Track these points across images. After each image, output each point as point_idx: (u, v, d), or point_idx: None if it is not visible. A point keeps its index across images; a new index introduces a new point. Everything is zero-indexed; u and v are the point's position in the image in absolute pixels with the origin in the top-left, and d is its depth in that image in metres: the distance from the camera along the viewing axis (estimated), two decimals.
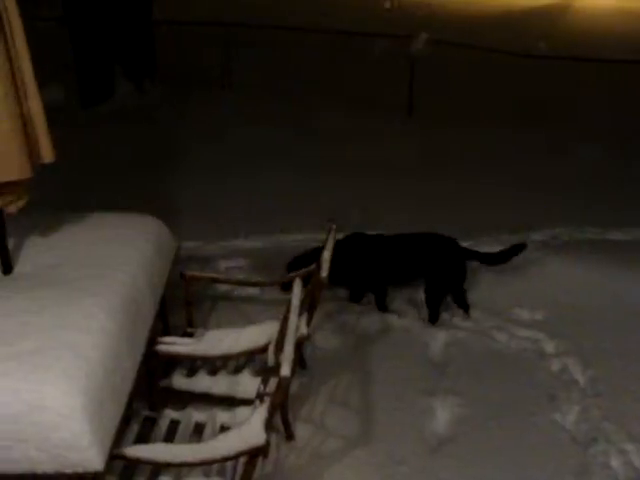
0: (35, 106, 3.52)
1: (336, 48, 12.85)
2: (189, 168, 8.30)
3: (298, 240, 6.41)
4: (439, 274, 5.33)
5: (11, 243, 3.78)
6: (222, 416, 3.83)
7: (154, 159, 8.64)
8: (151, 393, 4.06)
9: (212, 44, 12.08)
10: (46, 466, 2.87)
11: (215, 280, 4.82)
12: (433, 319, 5.28)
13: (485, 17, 19.68)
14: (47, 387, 2.86)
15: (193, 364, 4.24)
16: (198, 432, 3.75)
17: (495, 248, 5.65)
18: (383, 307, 5.44)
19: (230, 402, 4.03)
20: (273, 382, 3.50)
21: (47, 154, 3.62)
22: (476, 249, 5.59)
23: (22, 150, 3.44)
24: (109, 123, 9.81)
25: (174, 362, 4.21)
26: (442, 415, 4.40)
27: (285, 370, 2.95)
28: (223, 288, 5.50)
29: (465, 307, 5.42)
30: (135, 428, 3.72)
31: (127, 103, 10.86)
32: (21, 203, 3.60)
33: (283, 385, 3.02)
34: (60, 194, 6.40)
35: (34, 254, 3.88)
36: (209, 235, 6.56)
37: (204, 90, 11.40)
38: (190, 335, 4.41)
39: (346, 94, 11.36)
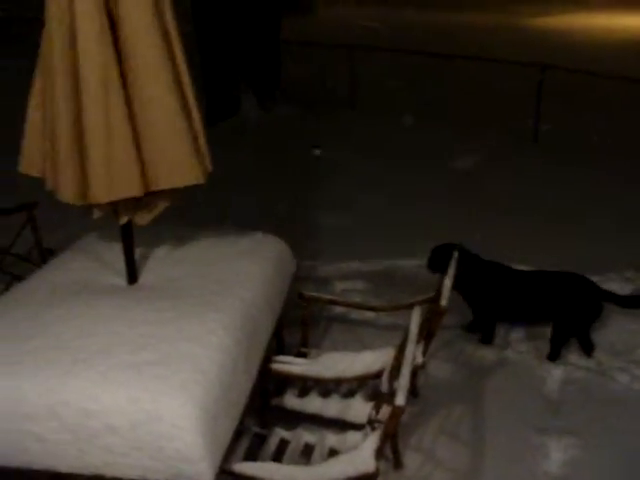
0: (197, 116, 3.65)
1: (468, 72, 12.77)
2: (308, 187, 8.37)
3: (413, 265, 6.36)
4: (573, 314, 5.14)
5: (137, 254, 3.88)
6: (332, 439, 3.80)
7: (274, 176, 8.75)
8: (262, 410, 4.08)
9: (339, 65, 12.20)
10: (158, 475, 2.92)
11: (332, 302, 4.82)
12: (553, 357, 5.12)
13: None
14: (165, 398, 2.91)
15: (305, 384, 4.24)
16: (307, 453, 3.73)
17: (623, 286, 5.44)
18: (488, 340, 5.31)
19: (340, 425, 4.01)
20: (385, 409, 3.47)
21: (209, 164, 3.74)
22: (604, 287, 5.39)
23: (195, 155, 3.55)
24: (232, 139, 9.99)
25: (287, 381, 4.22)
26: (556, 455, 4.24)
27: (400, 399, 2.90)
28: (339, 310, 5.50)
29: (589, 347, 5.22)
30: (245, 444, 3.73)
31: (250, 120, 11.06)
32: (151, 216, 3.69)
33: (397, 414, 2.97)
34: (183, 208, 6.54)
35: (158, 266, 3.98)
36: (326, 255, 6.59)
37: (328, 109, 11.50)
38: (304, 355, 4.42)
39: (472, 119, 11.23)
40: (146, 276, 3.89)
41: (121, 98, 3.33)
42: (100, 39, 3.26)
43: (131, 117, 3.39)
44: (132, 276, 3.81)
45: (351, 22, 16.79)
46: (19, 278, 4.65)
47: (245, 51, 11.16)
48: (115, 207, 3.60)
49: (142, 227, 3.77)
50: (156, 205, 3.70)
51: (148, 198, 3.61)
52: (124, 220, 3.67)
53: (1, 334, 3.34)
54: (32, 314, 3.49)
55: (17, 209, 4.94)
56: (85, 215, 3.75)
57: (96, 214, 3.60)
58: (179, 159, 3.51)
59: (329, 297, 4.76)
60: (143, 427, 2.89)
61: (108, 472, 2.96)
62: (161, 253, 4.13)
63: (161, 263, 4.02)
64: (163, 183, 3.53)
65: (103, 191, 3.44)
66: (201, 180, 3.57)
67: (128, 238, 3.75)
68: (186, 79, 3.59)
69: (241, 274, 3.91)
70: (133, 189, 3.44)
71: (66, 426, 2.94)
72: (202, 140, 3.70)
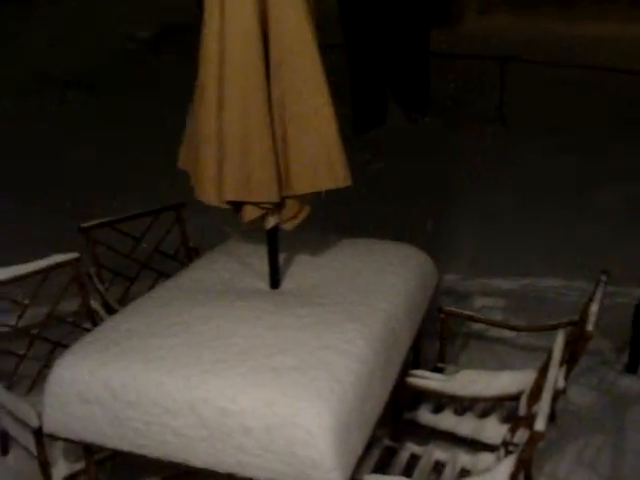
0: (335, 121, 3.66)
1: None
2: (452, 200, 8.28)
3: (556, 285, 6.18)
4: None
5: (281, 259, 3.92)
6: (464, 458, 3.73)
7: (420, 189, 8.71)
8: (394, 423, 4.04)
9: (487, 78, 12.04)
10: (288, 479, 2.92)
11: (472, 319, 4.73)
12: None
13: None
14: (301, 404, 2.91)
15: (440, 400, 4.18)
16: (437, 471, 3.68)
17: None
18: (634, 369, 5.06)
19: (473, 445, 3.93)
20: (521, 433, 3.37)
21: (344, 169, 3.71)
22: None
23: (341, 158, 3.59)
24: (375, 148, 10.01)
25: (421, 396, 4.17)
26: None
27: (540, 425, 2.80)
28: (478, 327, 5.40)
29: None
30: (375, 456, 3.72)
31: (396, 131, 11.04)
32: (297, 221, 3.73)
33: (535, 440, 2.87)
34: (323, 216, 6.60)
35: (301, 272, 4.01)
36: (468, 270, 6.49)
37: (474, 123, 11.34)
38: (441, 370, 4.36)
39: None
40: (288, 281, 3.93)
41: (264, 100, 3.41)
42: (247, 40, 3.36)
43: (273, 119, 3.46)
44: (275, 281, 3.86)
45: (502, 33, 16.51)
46: (165, 275, 4.81)
47: (394, 62, 11.17)
48: (263, 212, 3.65)
49: (287, 232, 3.82)
50: (302, 211, 3.73)
51: (293, 204, 3.66)
52: (270, 224, 3.72)
53: (146, 330, 3.45)
54: (176, 312, 3.59)
55: (166, 209, 5.09)
56: (232, 218, 3.84)
57: (246, 218, 3.67)
58: (319, 163, 3.55)
59: (469, 313, 4.67)
60: (277, 431, 2.90)
61: (240, 471, 3.00)
62: (304, 259, 4.17)
63: (304, 269, 4.05)
64: (303, 187, 3.58)
65: (239, 193, 3.55)
66: (345, 183, 3.61)
67: (273, 243, 3.80)
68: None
69: (383, 285, 3.89)
70: (271, 194, 3.52)
71: (203, 423, 3.00)
72: (340, 146, 3.67)
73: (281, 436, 2.90)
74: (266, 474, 2.95)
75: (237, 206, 3.69)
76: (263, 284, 3.89)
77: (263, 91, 3.42)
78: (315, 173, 3.56)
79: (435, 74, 11.98)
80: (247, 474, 2.99)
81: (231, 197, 3.58)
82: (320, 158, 3.55)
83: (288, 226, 3.75)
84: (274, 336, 3.32)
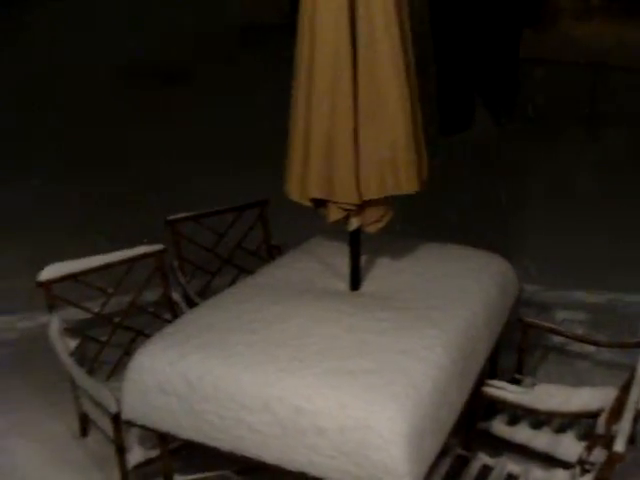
0: (419, 118, 3.68)
1: None
2: (533, 209, 8.15)
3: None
4: None
5: (362, 261, 3.91)
6: (537, 473, 3.67)
7: (500, 196, 8.58)
8: (468, 433, 3.99)
9: (579, 84, 11.80)
10: None
11: (553, 331, 4.64)
12: None
13: None
14: (375, 408, 2.91)
15: (515, 412, 4.12)
16: None
17: None
18: None
19: (547, 460, 3.86)
20: (599, 452, 3.29)
21: (426, 171, 3.76)
22: None
23: (416, 162, 3.59)
24: (464, 153, 9.92)
25: (497, 406, 4.11)
26: None
27: (619, 445, 2.75)
28: (557, 340, 5.29)
29: None
30: (446, 464, 3.69)
31: (482, 135, 10.92)
32: (381, 224, 3.73)
33: (614, 461, 2.81)
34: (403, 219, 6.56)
35: (382, 276, 4.00)
36: (550, 281, 6.36)
37: (562, 133, 11.12)
38: (518, 382, 4.30)
39: None
40: (369, 284, 3.93)
41: (350, 99, 3.43)
42: (337, 38, 3.40)
43: (357, 121, 3.47)
44: (355, 282, 3.86)
45: (596, 39, 16.14)
46: (246, 271, 4.86)
47: (483, 65, 11.06)
48: (347, 213, 3.66)
49: (369, 234, 3.81)
50: (385, 214, 3.73)
51: (377, 206, 3.66)
52: (353, 226, 3.73)
53: (226, 325, 3.49)
54: (256, 309, 3.62)
55: (249, 206, 5.15)
56: (316, 217, 3.86)
57: (330, 218, 3.69)
58: (401, 166, 3.55)
59: (550, 325, 4.59)
60: (351, 433, 2.90)
61: (311, 471, 3.01)
62: (385, 262, 4.15)
63: (384, 272, 4.04)
64: (372, 192, 3.57)
65: (322, 191, 3.59)
66: (418, 188, 3.62)
67: (355, 244, 3.80)
68: (414, 84, 3.62)
69: (464, 292, 3.85)
70: (351, 195, 3.54)
71: (278, 421, 3.02)
72: (423, 148, 3.72)
73: (354, 439, 2.90)
74: (337, 475, 2.96)
75: (321, 205, 3.72)
76: (343, 285, 3.90)
77: (349, 95, 3.44)
78: (382, 177, 3.56)
79: (524, 78, 11.80)
80: (318, 474, 3.00)
81: (314, 194, 3.61)
82: (387, 160, 3.54)
83: (371, 229, 3.74)
84: (352, 338, 3.32)
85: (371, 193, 3.57)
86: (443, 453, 3.57)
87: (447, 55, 11.01)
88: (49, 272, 4.09)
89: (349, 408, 2.92)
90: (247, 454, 3.15)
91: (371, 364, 3.12)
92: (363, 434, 2.88)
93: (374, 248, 4.18)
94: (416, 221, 6.85)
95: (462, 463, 3.77)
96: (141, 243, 4.42)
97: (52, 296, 4.09)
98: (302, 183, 3.63)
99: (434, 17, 10.96)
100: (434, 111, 10.89)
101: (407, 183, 3.59)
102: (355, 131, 3.47)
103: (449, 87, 11.07)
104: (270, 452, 3.08)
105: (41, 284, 4.06)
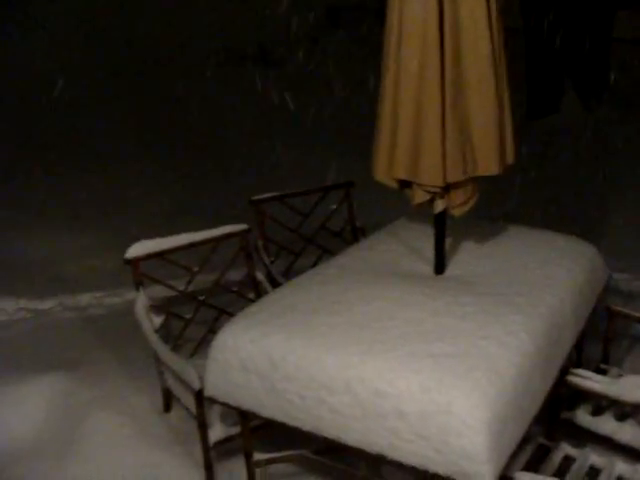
0: (507, 101, 3.62)
1: None
2: (622, 196, 7.93)
3: None
4: None
5: (447, 244, 3.88)
6: (621, 467, 3.58)
7: (589, 181, 8.39)
8: (550, 422, 3.92)
9: None
10: (439, 468, 2.90)
11: None
12: None
13: None
14: (457, 393, 2.88)
15: (600, 403, 4.03)
16: (592, 476, 3.56)
17: None
18: None
19: (632, 454, 3.77)
20: None
21: (511, 155, 3.70)
22: None
23: (498, 145, 3.55)
24: (550, 136, 9.71)
25: (580, 396, 4.03)
26: None
27: None
28: None
29: None
30: (527, 453, 3.63)
31: (570, 119, 10.67)
32: (466, 208, 3.68)
33: None
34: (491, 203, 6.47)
35: (466, 260, 3.96)
36: (637, 269, 6.19)
37: None
38: (603, 372, 4.20)
39: None
40: (453, 268, 3.89)
41: (437, 82, 3.40)
42: (424, 21, 3.38)
43: (443, 103, 3.43)
44: (440, 266, 3.82)
45: None
46: (329, 252, 4.86)
47: (574, 46, 10.79)
48: (432, 196, 3.63)
49: (455, 217, 3.77)
50: (471, 197, 3.69)
51: (463, 189, 3.62)
52: (438, 209, 3.69)
53: (309, 305, 3.51)
54: (339, 290, 3.62)
55: (335, 187, 5.15)
56: (401, 199, 3.84)
57: (415, 200, 3.66)
58: (486, 149, 3.52)
59: (638, 315, 4.46)
60: (431, 418, 2.89)
61: (391, 454, 3.01)
62: (470, 246, 4.10)
63: (469, 257, 3.99)
64: (457, 174, 3.53)
65: (407, 172, 3.58)
66: (499, 171, 3.59)
67: (440, 227, 3.77)
68: (502, 67, 3.59)
69: (550, 278, 3.78)
70: (436, 178, 3.52)
71: (358, 402, 3.02)
72: (509, 132, 3.68)
73: (435, 423, 2.88)
74: (417, 459, 2.95)
75: (406, 186, 3.70)
76: (427, 269, 3.87)
77: (436, 78, 3.41)
78: (465, 160, 3.52)
79: (617, 61, 11.46)
80: (398, 457, 2.99)
81: (400, 175, 3.60)
82: (471, 144, 3.52)
83: (456, 212, 3.70)
84: (435, 322, 3.29)
85: (455, 176, 3.53)
86: (524, 441, 3.52)
87: (537, 36, 10.80)
88: (136, 250, 4.17)
89: (431, 392, 2.91)
90: (327, 435, 3.16)
91: (454, 349, 3.09)
92: (444, 419, 2.87)
93: (459, 231, 4.13)
94: (502, 205, 6.76)
95: (544, 453, 3.70)
96: (228, 222, 4.47)
97: (139, 273, 4.17)
98: (388, 164, 3.63)
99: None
100: (522, 94, 10.71)
101: (490, 166, 3.57)
102: (442, 114, 3.44)
103: (538, 69, 10.86)
104: (350, 434, 3.09)
105: (128, 261, 4.14)
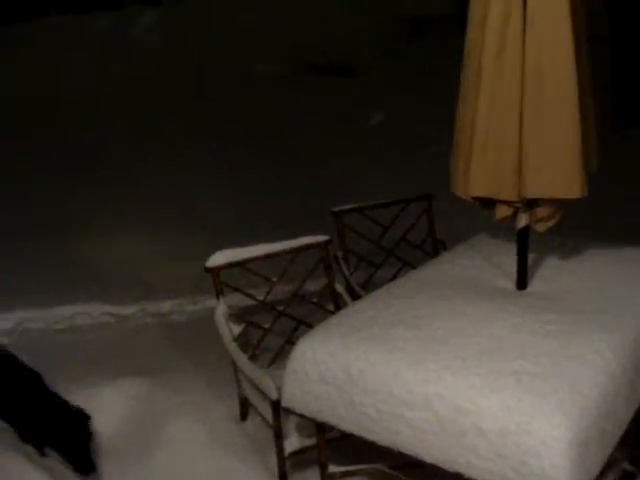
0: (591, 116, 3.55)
1: None
2: None
3: None
4: None
5: (529, 260, 3.80)
6: None
7: None
8: (635, 447, 3.80)
9: None
10: None
11: None
12: None
13: None
14: (538, 413, 2.81)
15: None
16: None
17: None
18: None
19: None
20: None
21: (593, 164, 3.63)
22: None
23: (581, 164, 3.44)
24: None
25: None
26: None
27: None
28: None
29: None
30: (610, 479, 3.52)
31: None
32: (550, 223, 3.61)
33: None
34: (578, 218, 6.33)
35: (549, 276, 3.87)
36: None
37: None
38: None
39: None
40: (535, 284, 3.80)
41: (518, 101, 3.36)
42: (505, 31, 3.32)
43: (523, 118, 3.38)
44: (522, 282, 3.75)
45: None
46: (409, 265, 4.83)
47: None
48: (515, 210, 3.57)
49: (538, 232, 3.70)
50: (556, 212, 3.61)
51: (548, 204, 3.54)
52: (522, 224, 3.63)
53: (388, 319, 3.48)
54: (420, 304, 3.59)
55: (415, 199, 5.11)
56: (482, 212, 3.79)
57: (498, 215, 3.61)
58: (566, 170, 3.40)
59: None
60: (511, 437, 2.82)
61: (468, 472, 2.95)
62: (554, 262, 4.01)
63: (553, 273, 3.90)
64: (536, 191, 3.45)
65: (485, 188, 3.52)
66: (581, 195, 3.44)
67: (523, 242, 3.69)
68: (586, 77, 3.51)
69: (636, 297, 3.66)
70: (515, 194, 3.46)
71: (437, 419, 2.98)
72: (593, 145, 3.62)
73: (514, 443, 2.82)
74: (495, 479, 2.88)
75: (488, 202, 3.65)
76: (509, 284, 3.79)
77: (516, 91, 3.36)
78: (545, 177, 3.42)
79: None
80: (475, 476, 2.94)
81: (477, 192, 3.55)
82: (553, 161, 3.40)
83: (540, 227, 3.63)
84: (517, 339, 3.23)
85: (536, 192, 3.46)
86: (608, 467, 3.42)
87: (624, 44, 10.58)
88: (217, 258, 4.21)
89: (512, 411, 2.84)
90: (404, 450, 3.12)
91: (536, 367, 3.02)
92: (524, 439, 2.80)
93: (543, 247, 4.04)
94: (588, 220, 6.59)
95: (628, 479, 3.59)
96: (305, 232, 4.48)
97: (219, 282, 4.21)
98: (466, 179, 3.57)
99: (611, 10, 10.56)
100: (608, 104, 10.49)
101: (573, 186, 3.42)
102: (521, 129, 3.38)
103: (625, 78, 10.63)
104: (427, 450, 3.04)
105: (209, 270, 4.19)
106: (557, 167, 3.40)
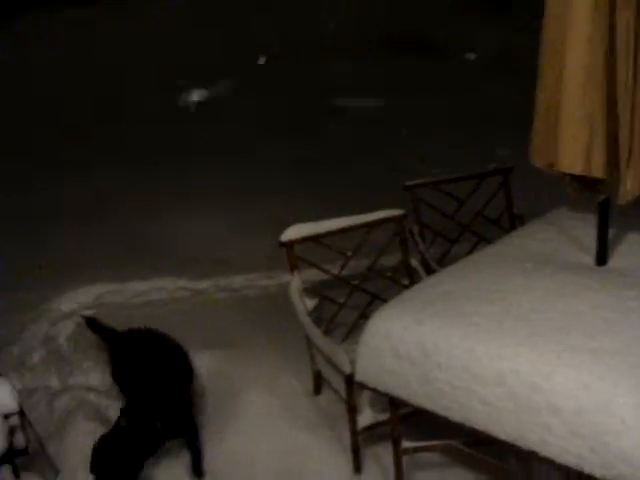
0: None
1: None
2: None
3: None
4: None
5: (610, 235, 3.69)
6: None
7: None
8: None
9: None
10: (594, 469, 2.77)
11: None
12: None
13: None
14: (618, 391, 2.75)
15: None
16: None
17: None
18: None
19: None
20: None
21: None
22: None
23: None
24: None
25: None
26: None
27: None
28: None
29: None
30: None
31: None
32: (631, 197, 3.47)
33: None
34: None
35: (630, 251, 3.73)
36: None
37: None
38: None
39: None
40: (616, 259, 3.68)
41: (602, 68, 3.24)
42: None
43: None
44: (602, 257, 3.64)
45: None
46: (485, 240, 4.75)
47: None
48: (596, 184, 3.47)
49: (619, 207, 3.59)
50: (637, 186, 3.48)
51: (632, 176, 3.42)
52: (602, 197, 3.52)
53: (463, 294, 3.44)
54: (495, 279, 3.53)
55: (492, 173, 5.02)
56: (559, 186, 3.69)
57: (571, 188, 3.52)
58: None
59: None
60: (588, 416, 2.77)
61: (542, 450, 2.91)
62: (634, 237, 3.88)
63: (634, 248, 3.77)
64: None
65: (567, 162, 3.41)
66: None
67: (604, 217, 3.58)
68: None
69: None
70: (599, 169, 3.36)
71: (511, 395, 2.94)
72: None
73: (592, 422, 2.77)
74: (570, 458, 2.83)
75: (567, 175, 3.56)
76: (588, 259, 3.68)
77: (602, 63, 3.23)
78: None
79: None
80: (549, 454, 2.90)
81: (562, 166, 3.45)
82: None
83: (621, 200, 3.51)
84: (596, 315, 3.14)
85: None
86: None
87: None
88: (292, 233, 4.21)
89: (590, 389, 2.79)
90: (477, 426, 3.10)
91: (616, 344, 2.95)
92: (602, 418, 2.75)
93: (623, 221, 3.91)
94: None
95: None
96: (378, 208, 4.45)
97: (294, 256, 4.21)
98: (550, 151, 3.47)
99: None
100: None
101: None
102: (608, 103, 3.27)
103: None
104: (500, 427, 3.01)
105: (284, 244, 4.19)
106: None
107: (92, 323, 4.79)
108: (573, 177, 3.52)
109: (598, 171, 3.36)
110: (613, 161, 3.35)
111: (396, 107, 9.51)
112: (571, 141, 3.36)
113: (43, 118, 9.40)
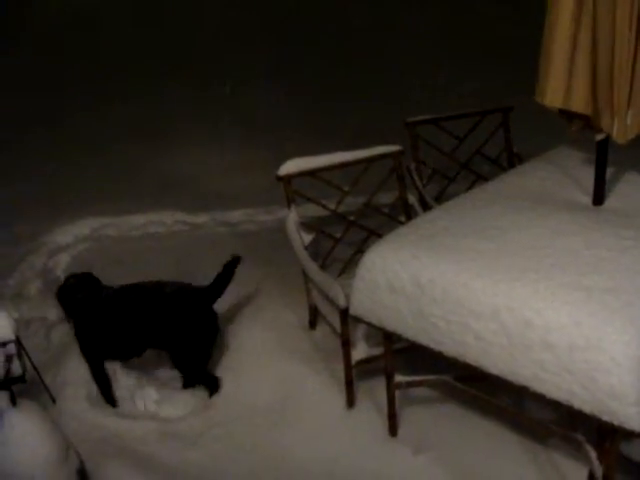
0: None
1: None
2: None
3: None
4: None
5: (608, 174, 3.67)
6: None
7: None
8: None
9: None
10: (584, 405, 2.80)
11: None
12: None
13: None
14: (609, 329, 2.75)
15: None
16: None
17: None
18: None
19: None
20: None
21: None
22: None
23: None
24: None
25: None
26: None
27: None
28: None
29: None
30: None
31: None
32: (631, 135, 3.44)
33: None
34: None
35: (628, 192, 3.71)
36: None
37: None
38: None
39: None
40: (614, 199, 3.67)
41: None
42: None
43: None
44: (599, 196, 3.62)
45: None
46: (483, 179, 4.74)
47: None
48: (595, 122, 3.44)
49: (619, 146, 3.56)
50: (636, 124, 3.45)
51: (632, 115, 3.39)
52: (601, 136, 3.49)
53: (460, 230, 3.43)
54: (492, 216, 3.52)
55: (492, 111, 4.99)
56: (560, 125, 3.67)
57: (574, 127, 3.49)
58: None
59: None
60: (580, 352, 2.78)
61: (534, 386, 2.93)
62: (633, 178, 3.86)
63: (631, 189, 3.74)
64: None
65: (561, 98, 3.41)
66: None
67: (602, 156, 3.56)
68: None
69: None
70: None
71: (505, 330, 2.96)
72: None
73: (583, 358, 2.78)
74: (561, 394, 2.86)
75: (565, 113, 3.53)
76: (586, 199, 3.67)
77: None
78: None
79: None
80: (541, 390, 2.92)
81: (568, 104, 3.43)
82: None
83: (620, 139, 3.48)
84: (591, 254, 3.14)
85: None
86: None
87: None
88: (289, 167, 4.20)
89: (582, 326, 2.79)
90: (470, 362, 3.12)
91: (609, 283, 2.94)
92: (593, 355, 2.76)
93: (622, 162, 3.90)
94: None
95: None
96: (376, 144, 4.43)
97: (291, 190, 4.21)
98: (565, 90, 3.44)
99: None
100: None
101: None
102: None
103: None
104: (493, 362, 3.03)
105: (280, 178, 4.19)
106: None
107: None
108: (574, 115, 3.50)
109: (579, 105, 3.37)
110: (595, 97, 3.35)
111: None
112: (553, 76, 3.38)
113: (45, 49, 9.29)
